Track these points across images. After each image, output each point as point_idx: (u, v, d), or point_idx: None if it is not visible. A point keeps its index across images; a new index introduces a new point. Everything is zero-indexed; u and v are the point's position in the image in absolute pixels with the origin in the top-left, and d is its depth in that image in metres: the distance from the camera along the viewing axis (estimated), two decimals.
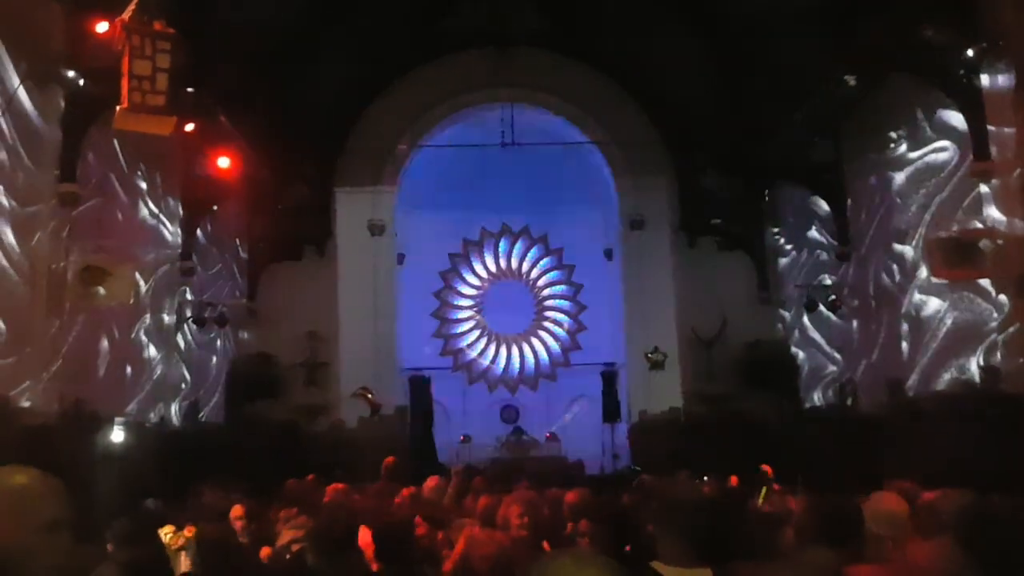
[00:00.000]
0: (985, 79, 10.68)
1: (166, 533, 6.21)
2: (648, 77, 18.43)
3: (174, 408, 14.53)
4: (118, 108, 6.80)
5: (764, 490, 5.14)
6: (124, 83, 6.68)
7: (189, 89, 11.65)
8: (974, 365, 11.33)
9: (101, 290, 11.11)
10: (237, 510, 5.08)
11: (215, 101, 13.34)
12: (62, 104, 11.12)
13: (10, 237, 10.09)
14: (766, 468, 7.95)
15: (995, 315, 10.95)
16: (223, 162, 14.12)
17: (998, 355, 10.80)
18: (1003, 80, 10.49)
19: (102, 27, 9.60)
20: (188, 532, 5.92)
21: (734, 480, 7.42)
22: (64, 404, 10.46)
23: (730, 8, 16.07)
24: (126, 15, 6.76)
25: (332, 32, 17.23)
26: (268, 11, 15.17)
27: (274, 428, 15.31)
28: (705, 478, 5.45)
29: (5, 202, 10.06)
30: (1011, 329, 10.57)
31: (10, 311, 9.94)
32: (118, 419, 11.56)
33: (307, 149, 18.04)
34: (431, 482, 7.48)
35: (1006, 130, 10.45)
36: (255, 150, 15.09)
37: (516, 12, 18.17)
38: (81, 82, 10.91)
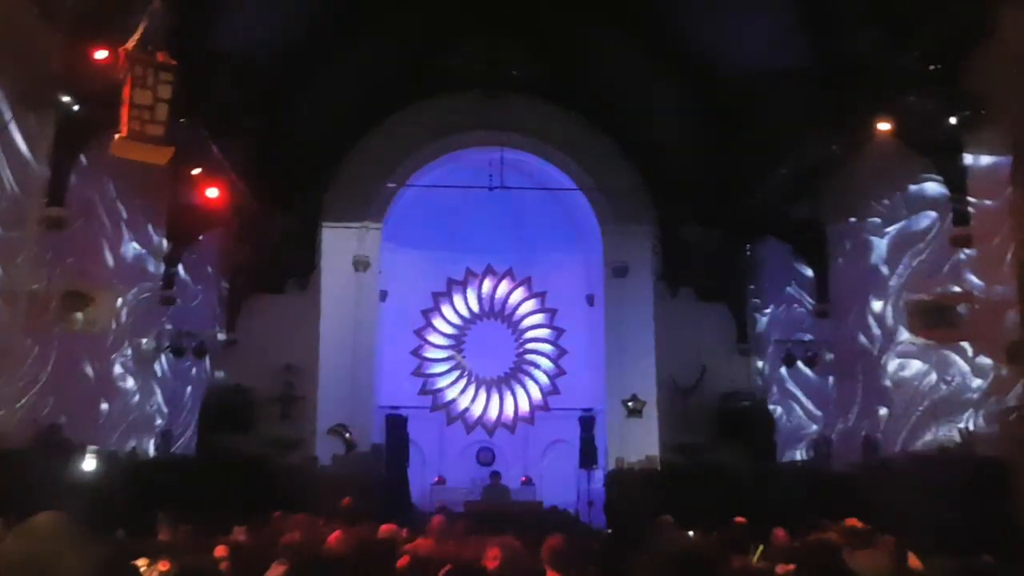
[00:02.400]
0: (967, 148, 10.95)
1: (141, 566, 6.13)
2: (636, 127, 18.71)
3: (148, 438, 14.34)
4: (116, 136, 6.84)
5: (760, 548, 5.14)
6: (124, 111, 6.73)
7: (182, 119, 11.70)
8: (950, 427, 11.43)
9: (81, 316, 11.03)
10: (221, 550, 5.02)
11: (206, 131, 13.38)
12: (53, 128, 11.12)
13: None
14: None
15: (972, 378, 11.09)
16: (210, 192, 14.10)
17: (976, 417, 10.91)
18: (984, 149, 10.77)
19: (100, 54, 9.69)
20: (162, 566, 5.85)
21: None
22: (38, 430, 10.32)
23: (719, 64, 16.40)
24: (130, 44, 6.84)
25: (325, 66, 17.39)
26: (262, 43, 15.31)
27: (246, 462, 15.13)
28: (691, 533, 5.43)
29: None
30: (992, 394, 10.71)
31: None
32: (90, 447, 11.43)
33: (295, 182, 18.08)
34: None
35: (987, 202, 10.69)
36: (243, 181, 15.11)
37: (509, 57, 18.45)
38: (75, 107, 10.92)
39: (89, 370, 12.42)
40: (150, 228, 14.69)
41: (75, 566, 1.95)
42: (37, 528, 1.99)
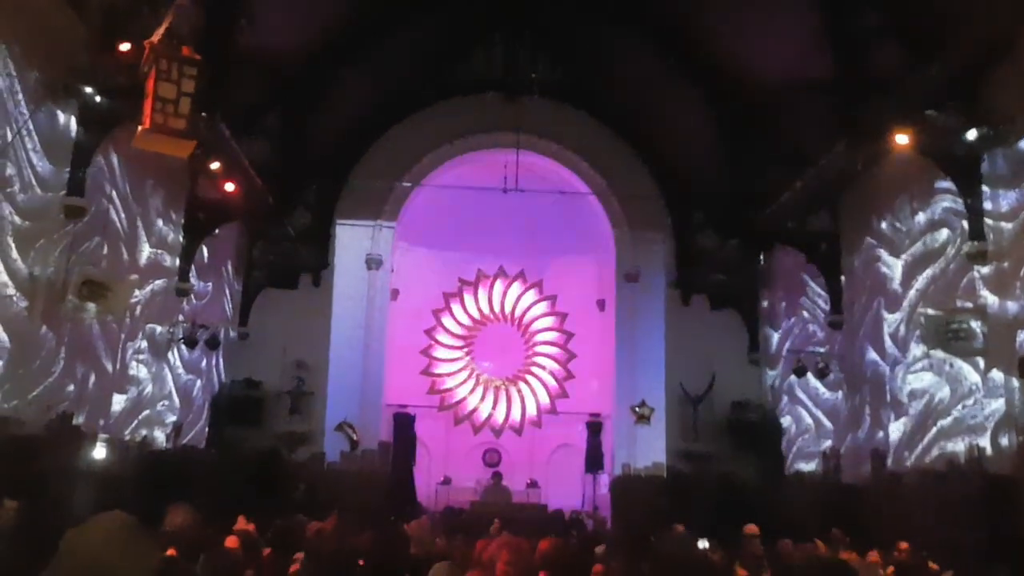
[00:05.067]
0: (985, 164, 10.91)
1: None
2: (653, 134, 18.76)
3: (159, 428, 14.42)
4: (139, 128, 6.89)
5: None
6: (148, 104, 6.78)
7: (203, 113, 11.76)
8: (961, 442, 11.38)
9: (97, 306, 11.10)
10: (232, 541, 5.06)
11: (227, 126, 13.45)
12: (76, 118, 11.21)
13: (11, 249, 10.09)
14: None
15: (984, 393, 11.03)
16: (228, 186, 14.17)
17: (987, 433, 10.86)
18: (1002, 165, 10.73)
19: (125, 46, 9.77)
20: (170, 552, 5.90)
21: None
22: (51, 417, 10.40)
23: (741, 74, 16.39)
24: (155, 38, 6.89)
25: (347, 66, 17.48)
26: (285, 42, 15.41)
27: (255, 455, 15.22)
28: (707, 543, 5.40)
29: (7, 213, 10.06)
30: (994, 408, 10.66)
31: (7, 323, 9.92)
32: (101, 436, 11.52)
33: (312, 179, 18.22)
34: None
35: (1003, 215, 10.65)
36: (261, 176, 15.18)
37: (529, 62, 18.52)
38: (98, 99, 11.00)
39: (103, 360, 12.49)
40: (167, 221, 14.77)
41: (137, 569, 1.98)
42: (101, 528, 2.02)
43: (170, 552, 5.76)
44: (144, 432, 13.72)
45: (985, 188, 10.94)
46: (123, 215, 13.03)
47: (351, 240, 18.65)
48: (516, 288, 21.79)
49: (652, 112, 18.41)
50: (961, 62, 10.76)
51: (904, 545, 8.02)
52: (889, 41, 12.12)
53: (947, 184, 11.87)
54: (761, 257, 18.35)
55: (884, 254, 14.04)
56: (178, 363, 15.31)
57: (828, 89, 13.45)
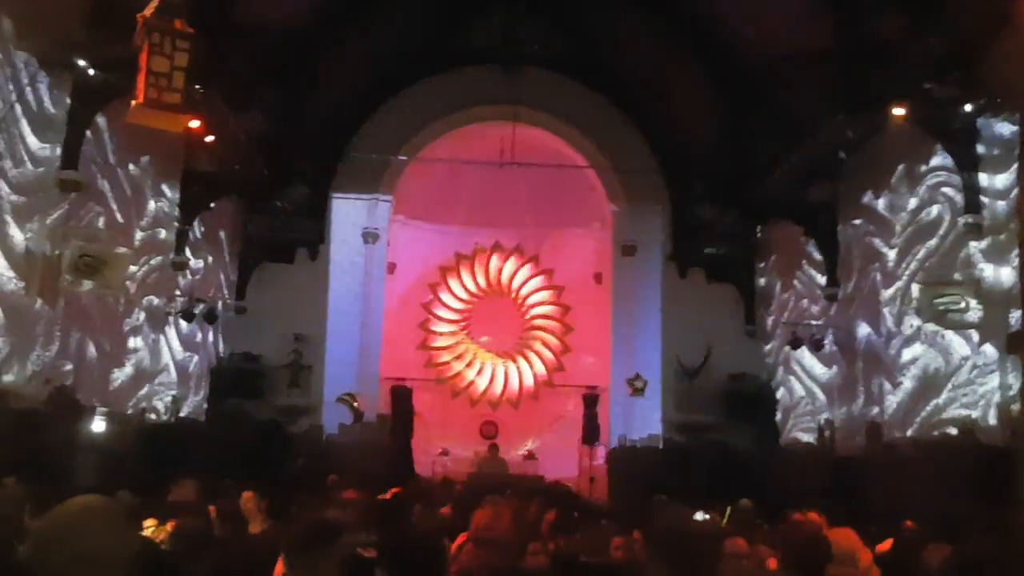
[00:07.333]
0: (982, 136, 10.90)
1: (148, 527, 6.22)
2: (651, 106, 18.66)
3: (157, 401, 14.49)
4: (133, 102, 6.88)
5: (728, 511, 5.26)
6: (141, 78, 6.76)
7: (197, 86, 11.68)
8: (954, 415, 11.47)
9: (94, 280, 11.10)
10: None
11: (222, 98, 13.37)
12: (70, 92, 11.14)
13: (6, 225, 10.08)
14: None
15: (978, 366, 11.11)
16: (223, 160, 14.13)
17: (980, 406, 10.95)
18: (999, 136, 10.72)
19: (117, 18, 9.70)
20: (171, 527, 5.95)
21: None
22: (50, 391, 10.46)
23: (739, 43, 16.30)
24: (148, 11, 6.85)
25: (342, 38, 17.34)
26: (282, 12, 15.27)
27: (254, 427, 15.32)
28: (706, 515, 5.45)
29: (2, 190, 10.03)
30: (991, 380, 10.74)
31: (4, 300, 9.93)
32: (100, 409, 11.59)
33: (308, 152, 18.13)
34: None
35: (999, 191, 10.66)
36: (257, 149, 15.13)
37: (527, 33, 18.38)
38: (92, 72, 10.94)
39: (101, 335, 12.53)
40: (162, 195, 14.74)
41: (111, 553, 1.99)
42: (75, 511, 2.03)
43: (170, 525, 5.82)
44: (144, 405, 13.79)
45: (982, 157, 10.93)
46: (118, 189, 13.00)
47: (348, 214, 18.60)
48: (513, 262, 21.78)
49: (651, 84, 18.29)
50: (960, 34, 10.70)
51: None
52: (890, 11, 12.04)
53: (944, 157, 11.87)
54: (758, 229, 18.35)
55: (881, 226, 14.06)
56: (175, 337, 15.35)
57: (828, 60, 13.39)
